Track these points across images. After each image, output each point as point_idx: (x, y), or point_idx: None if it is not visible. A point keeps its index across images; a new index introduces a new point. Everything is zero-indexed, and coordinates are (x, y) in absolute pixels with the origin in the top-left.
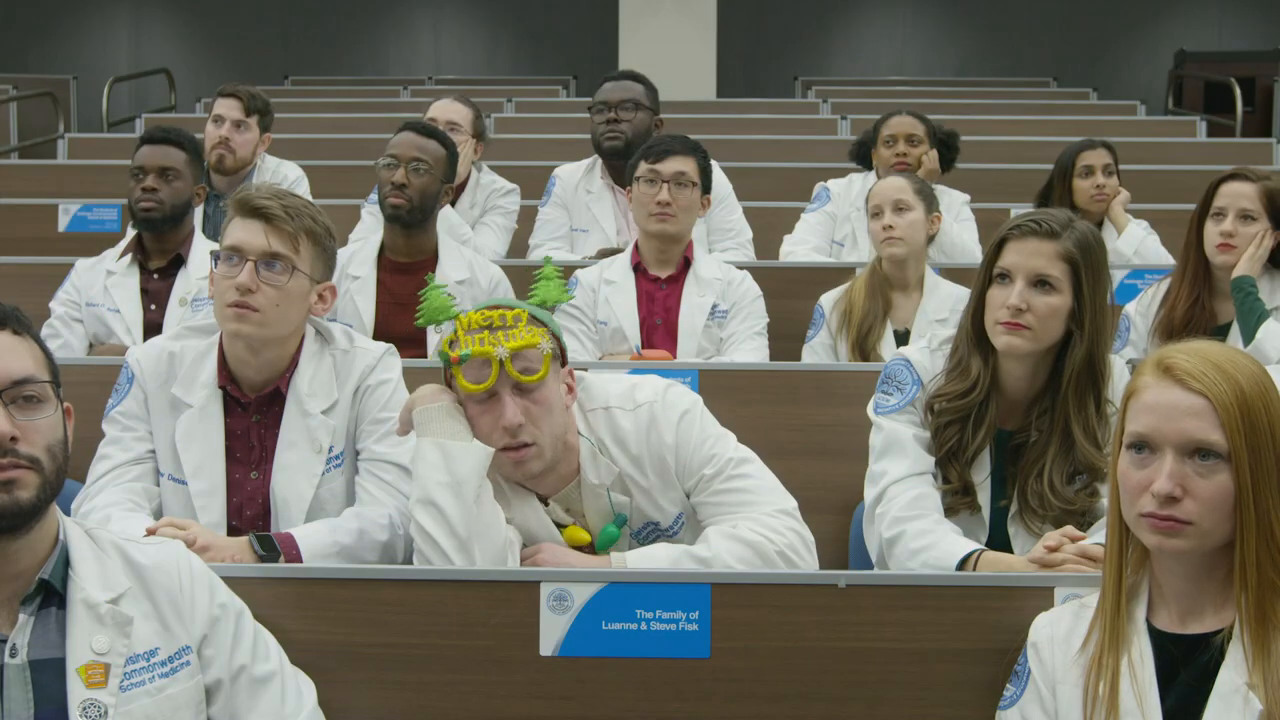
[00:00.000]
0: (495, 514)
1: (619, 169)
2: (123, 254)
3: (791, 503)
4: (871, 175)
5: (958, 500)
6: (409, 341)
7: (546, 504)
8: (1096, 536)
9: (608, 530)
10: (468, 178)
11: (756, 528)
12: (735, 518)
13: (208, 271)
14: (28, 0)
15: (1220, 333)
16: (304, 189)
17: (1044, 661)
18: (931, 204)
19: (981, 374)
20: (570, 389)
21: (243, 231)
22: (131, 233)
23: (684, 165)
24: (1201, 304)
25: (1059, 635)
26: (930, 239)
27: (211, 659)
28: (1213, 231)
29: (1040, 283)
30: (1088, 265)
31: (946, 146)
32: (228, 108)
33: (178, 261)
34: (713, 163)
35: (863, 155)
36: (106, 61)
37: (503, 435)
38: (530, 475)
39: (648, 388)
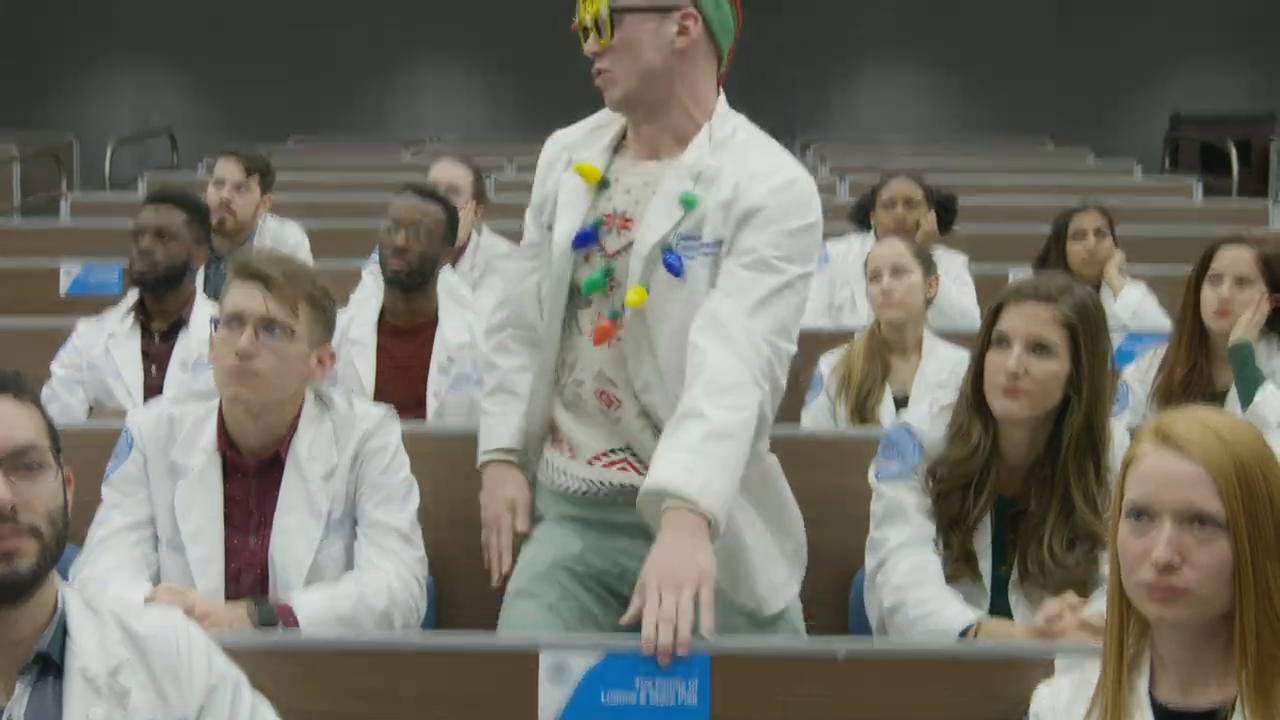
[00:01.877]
0: None
1: None
2: (124, 315)
3: None
4: (870, 237)
5: (959, 567)
6: (409, 406)
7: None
8: (1097, 604)
9: (689, 196)
10: (468, 240)
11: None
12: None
13: (208, 335)
14: (32, 59)
15: (1219, 398)
16: (305, 250)
17: None
18: (930, 267)
19: (982, 440)
20: (684, 31)
21: (242, 296)
22: (134, 294)
23: None
24: (1200, 369)
25: (1060, 706)
26: (928, 302)
27: None
28: (1210, 297)
29: (1038, 348)
30: (1086, 330)
31: (945, 209)
32: (228, 170)
33: (179, 324)
34: None
35: (862, 217)
36: (110, 121)
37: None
38: (611, 101)
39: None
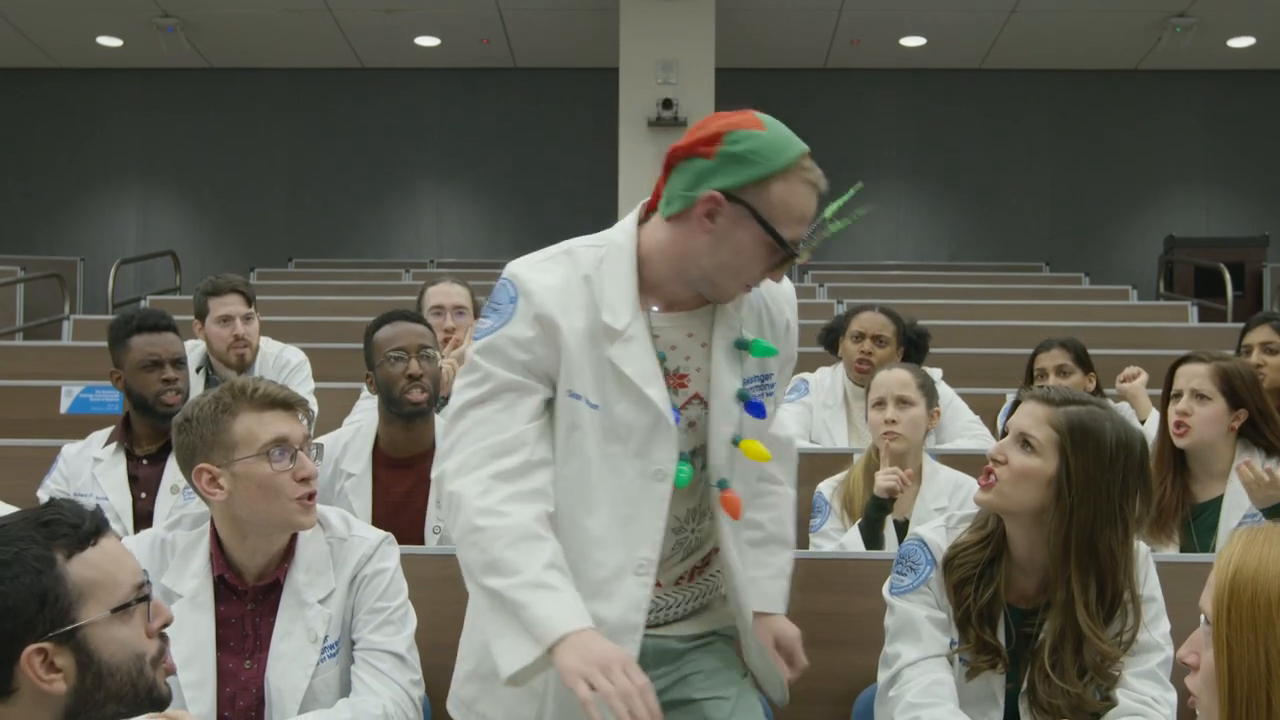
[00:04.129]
0: None
1: None
2: (108, 441)
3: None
4: (839, 370)
5: (979, 661)
6: (405, 541)
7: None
8: None
9: (760, 342)
10: None
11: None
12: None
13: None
14: (37, 182)
15: (1202, 512)
16: (306, 373)
17: None
18: (933, 398)
19: (993, 530)
20: (710, 215)
21: (280, 424)
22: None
23: None
24: (1181, 486)
25: None
26: (928, 432)
27: None
28: (1171, 413)
29: (1024, 442)
30: (1079, 442)
31: (915, 347)
32: (233, 305)
33: (166, 448)
34: None
35: (830, 342)
36: (113, 243)
37: None
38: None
39: None
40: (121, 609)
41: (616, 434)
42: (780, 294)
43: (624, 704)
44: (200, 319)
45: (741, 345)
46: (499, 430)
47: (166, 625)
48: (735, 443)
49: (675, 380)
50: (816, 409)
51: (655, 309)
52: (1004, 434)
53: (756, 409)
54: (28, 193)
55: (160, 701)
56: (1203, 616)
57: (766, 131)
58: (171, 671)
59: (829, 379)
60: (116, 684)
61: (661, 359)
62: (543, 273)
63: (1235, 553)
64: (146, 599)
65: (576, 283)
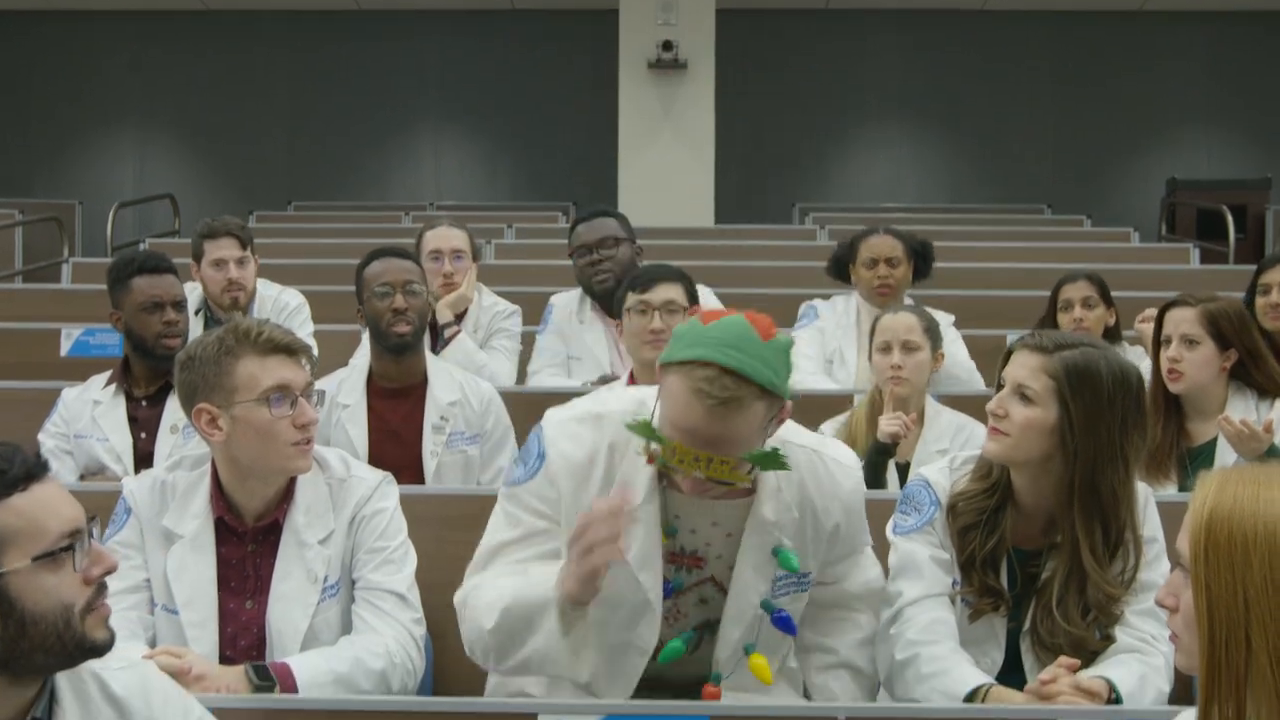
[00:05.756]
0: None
1: (609, 305)
2: (108, 383)
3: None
4: (854, 297)
5: (982, 604)
6: (405, 469)
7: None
8: (1100, 669)
9: (789, 558)
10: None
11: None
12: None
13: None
14: (35, 125)
15: (1197, 455)
16: (305, 315)
17: None
18: (937, 341)
19: (999, 479)
20: (780, 421)
21: (282, 369)
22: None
23: (672, 292)
24: (1176, 427)
25: None
26: (931, 375)
27: None
28: (1163, 359)
29: (1021, 393)
30: (1078, 387)
31: (922, 258)
32: (227, 248)
33: (166, 388)
34: (706, 289)
35: (839, 271)
36: (112, 186)
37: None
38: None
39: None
40: (45, 557)
41: (608, 600)
42: (834, 490)
43: (602, 530)
44: (196, 261)
45: (784, 560)
46: (518, 573)
47: (109, 573)
48: (747, 652)
49: (690, 560)
50: (829, 335)
51: (676, 489)
52: (999, 386)
53: (784, 623)
54: (26, 136)
55: (96, 650)
56: (1180, 559)
57: None
58: (106, 616)
59: (842, 305)
60: (40, 634)
61: (672, 533)
62: (570, 439)
63: (1210, 494)
64: (72, 548)
65: (602, 454)
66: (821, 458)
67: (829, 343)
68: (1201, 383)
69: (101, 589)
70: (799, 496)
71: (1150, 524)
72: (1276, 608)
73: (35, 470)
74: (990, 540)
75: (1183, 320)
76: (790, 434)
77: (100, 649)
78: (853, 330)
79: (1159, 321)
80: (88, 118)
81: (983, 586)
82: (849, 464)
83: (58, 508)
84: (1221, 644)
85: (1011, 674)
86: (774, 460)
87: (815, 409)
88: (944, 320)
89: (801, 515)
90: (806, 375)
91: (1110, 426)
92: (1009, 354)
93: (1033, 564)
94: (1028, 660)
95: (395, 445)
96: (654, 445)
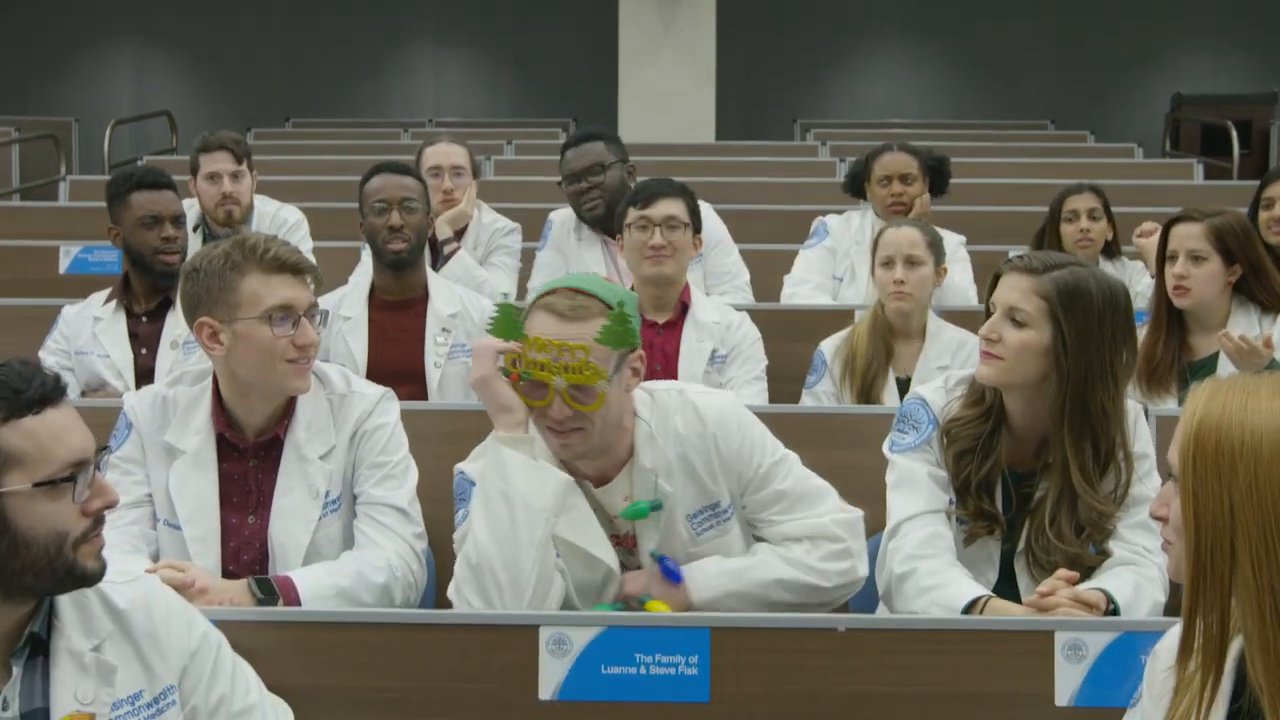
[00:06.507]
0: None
1: (607, 227)
2: (108, 300)
3: (843, 514)
4: (869, 212)
5: (977, 527)
6: (403, 376)
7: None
8: (1096, 582)
9: (638, 506)
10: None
11: (809, 561)
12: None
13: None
14: (30, 43)
15: (1198, 368)
16: (304, 231)
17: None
18: (940, 255)
19: (993, 403)
20: (636, 373)
21: (286, 289)
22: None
23: (673, 208)
24: (1179, 341)
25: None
26: (934, 288)
27: (191, 690)
28: (1169, 275)
29: (1013, 317)
30: (1070, 307)
31: (938, 174)
32: (221, 162)
33: (165, 304)
34: (707, 206)
35: (856, 188)
36: (109, 104)
37: (551, 422)
38: (576, 455)
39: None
40: (46, 484)
41: (576, 585)
42: (700, 421)
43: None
44: (193, 175)
45: (629, 514)
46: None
47: (109, 507)
48: (642, 603)
49: (628, 541)
50: (842, 251)
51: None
52: (988, 310)
53: (670, 574)
54: (21, 53)
55: (85, 579)
56: (1171, 469)
57: None
58: (100, 548)
59: (857, 220)
60: (32, 556)
61: (605, 522)
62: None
63: (1199, 404)
64: (74, 479)
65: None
66: (684, 395)
67: (839, 262)
68: (1207, 298)
69: (99, 521)
70: (674, 436)
71: (1141, 439)
72: (1261, 515)
73: (51, 394)
74: (985, 465)
75: (1189, 236)
76: (652, 385)
77: (90, 579)
78: (867, 246)
79: (1164, 237)
80: (84, 34)
81: (978, 510)
82: (713, 395)
83: (67, 436)
84: (1207, 551)
85: (1007, 595)
86: (628, 335)
87: (818, 325)
88: (954, 240)
89: (683, 451)
90: (805, 295)
91: (1101, 344)
92: (996, 278)
93: (1026, 485)
94: (1023, 580)
95: (395, 353)
96: (513, 346)
